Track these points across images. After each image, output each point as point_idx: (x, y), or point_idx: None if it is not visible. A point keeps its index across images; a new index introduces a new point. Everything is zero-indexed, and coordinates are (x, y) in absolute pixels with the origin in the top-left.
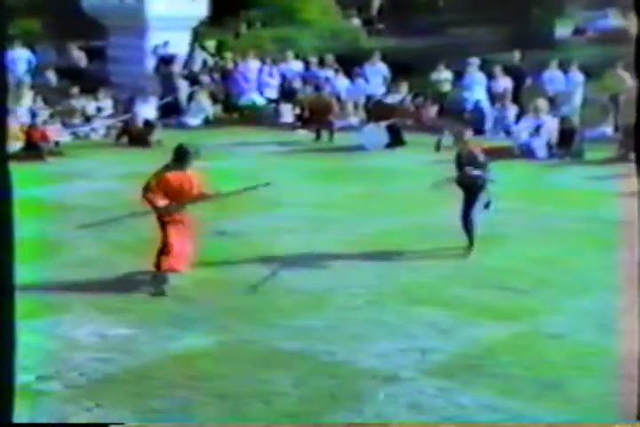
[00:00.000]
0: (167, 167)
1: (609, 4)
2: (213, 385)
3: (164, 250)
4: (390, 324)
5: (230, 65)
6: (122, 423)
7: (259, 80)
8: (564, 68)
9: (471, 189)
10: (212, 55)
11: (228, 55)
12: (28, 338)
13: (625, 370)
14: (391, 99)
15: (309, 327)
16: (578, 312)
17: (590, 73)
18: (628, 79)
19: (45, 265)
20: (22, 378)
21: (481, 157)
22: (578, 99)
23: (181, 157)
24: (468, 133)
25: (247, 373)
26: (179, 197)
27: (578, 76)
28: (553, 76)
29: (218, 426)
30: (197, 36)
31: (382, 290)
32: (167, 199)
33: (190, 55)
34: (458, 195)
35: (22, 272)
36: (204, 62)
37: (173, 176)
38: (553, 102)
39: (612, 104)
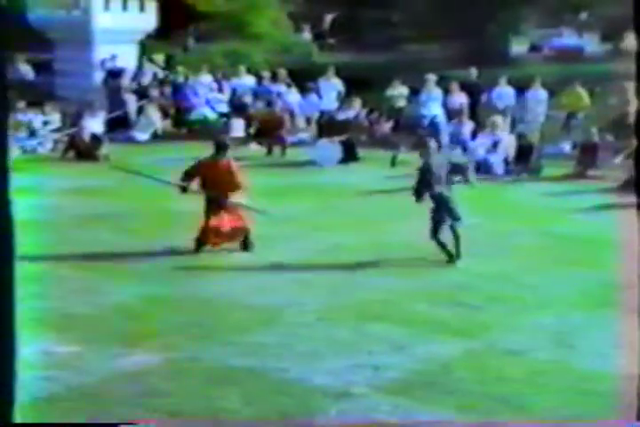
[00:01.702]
0: (208, 157)
1: (564, 23)
2: (162, 402)
3: (204, 228)
4: (343, 340)
5: (181, 79)
6: (132, 423)
7: (208, 95)
8: (521, 85)
9: (446, 202)
10: (163, 69)
11: (180, 69)
12: None
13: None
14: (343, 115)
15: (260, 344)
16: (534, 328)
17: (547, 90)
18: (586, 97)
19: None
20: None
21: (449, 167)
22: (541, 115)
23: (219, 148)
24: (433, 144)
25: (197, 390)
26: (217, 182)
27: (541, 94)
28: (502, 93)
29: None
30: (145, 50)
31: (335, 306)
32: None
33: (139, 69)
34: (413, 210)
35: None
36: (155, 76)
37: (212, 164)
38: (504, 118)
39: (570, 121)
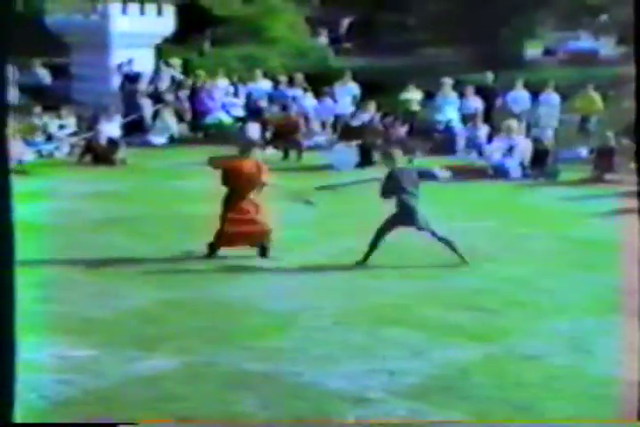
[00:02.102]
0: (235, 157)
1: (579, 26)
2: (178, 406)
3: (218, 234)
4: (359, 345)
5: (197, 83)
6: (133, 423)
7: (224, 99)
8: (536, 88)
9: (409, 211)
10: (181, 73)
11: (198, 73)
12: None
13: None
14: (359, 119)
15: (276, 348)
16: (551, 334)
17: (562, 94)
18: (598, 101)
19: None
20: None
21: (416, 176)
22: (554, 119)
23: (245, 148)
24: (398, 153)
25: (213, 394)
26: (246, 182)
27: (554, 98)
28: (517, 96)
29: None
30: (161, 54)
31: (351, 310)
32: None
33: (156, 73)
34: (430, 216)
35: None
36: (172, 80)
37: (241, 164)
38: (519, 122)
39: (584, 125)
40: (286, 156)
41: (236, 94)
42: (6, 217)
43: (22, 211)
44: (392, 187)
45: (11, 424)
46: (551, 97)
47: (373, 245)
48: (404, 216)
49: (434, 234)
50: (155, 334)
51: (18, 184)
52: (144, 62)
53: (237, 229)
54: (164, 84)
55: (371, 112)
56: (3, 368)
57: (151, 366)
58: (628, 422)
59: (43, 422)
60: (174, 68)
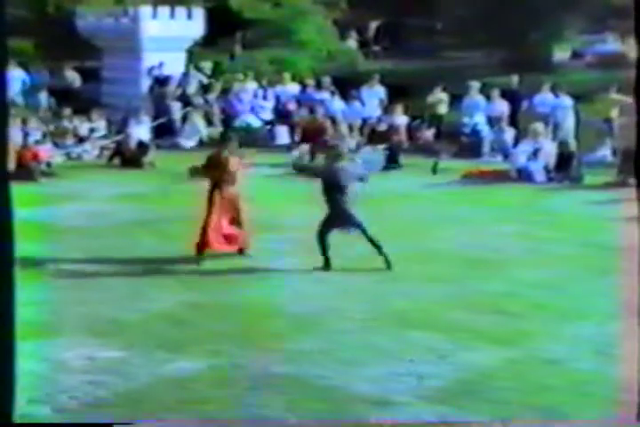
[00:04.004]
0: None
1: (607, 29)
2: (205, 409)
3: (204, 230)
4: (384, 348)
5: (226, 86)
6: (129, 423)
7: (253, 102)
8: (563, 92)
9: (339, 211)
10: (209, 77)
11: (225, 76)
12: (19, 361)
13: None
14: (385, 124)
15: (302, 351)
16: (575, 338)
17: (587, 97)
18: (618, 103)
19: (36, 287)
20: None
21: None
22: (570, 122)
23: (224, 139)
24: (343, 149)
25: (239, 397)
26: (224, 173)
27: (566, 100)
28: (544, 100)
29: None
30: (192, 57)
31: (376, 313)
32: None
33: (185, 76)
34: (454, 218)
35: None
36: (200, 83)
37: (227, 158)
38: (546, 125)
39: (607, 128)
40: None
41: (265, 97)
42: (5, 217)
43: (51, 213)
44: (321, 174)
45: (11, 424)
46: (564, 99)
47: (323, 250)
48: (336, 217)
49: (364, 233)
50: (182, 336)
51: (47, 186)
52: (175, 66)
53: (221, 226)
54: (193, 87)
55: (398, 115)
56: (3, 369)
57: (179, 369)
58: (628, 423)
59: (74, 422)
60: (202, 72)
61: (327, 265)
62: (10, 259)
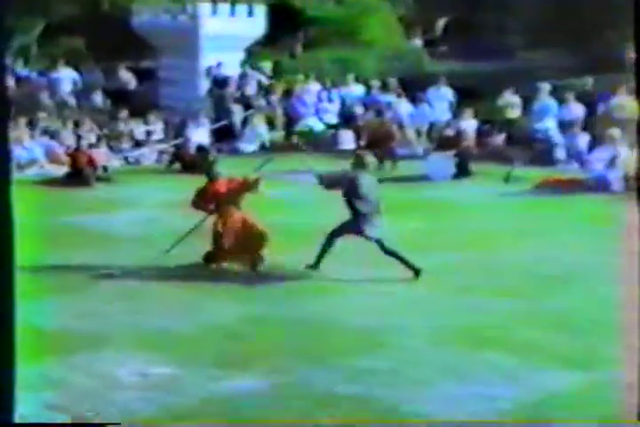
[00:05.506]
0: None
1: None
2: None
3: (214, 245)
4: (454, 367)
5: (288, 88)
6: (118, 423)
7: (317, 105)
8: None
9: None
10: (270, 77)
11: (285, 77)
12: (65, 375)
13: None
14: (454, 128)
15: (367, 369)
16: None
17: None
18: None
19: (86, 298)
20: (57, 417)
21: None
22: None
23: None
24: (369, 158)
25: (300, 417)
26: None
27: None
28: (622, 103)
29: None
30: (250, 57)
31: (446, 330)
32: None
33: (243, 77)
34: (528, 229)
35: (60, 305)
36: (259, 85)
37: (214, 185)
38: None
39: None
40: (381, 165)
41: (330, 99)
42: (5, 221)
43: (105, 220)
44: (348, 190)
45: (11, 424)
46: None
47: (323, 251)
48: (354, 223)
49: (381, 246)
50: (239, 351)
51: (102, 192)
52: (233, 66)
53: (231, 239)
54: (252, 88)
55: (468, 120)
56: (3, 370)
57: (235, 386)
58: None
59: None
60: (261, 72)
61: (316, 266)
62: (10, 259)
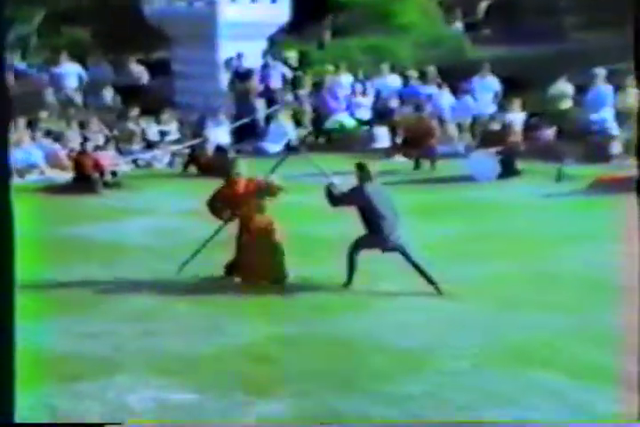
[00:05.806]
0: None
1: None
2: None
3: (235, 259)
4: (502, 391)
5: (316, 80)
6: (118, 423)
7: (349, 99)
8: None
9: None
10: (295, 69)
11: (313, 68)
12: (69, 404)
13: None
14: (499, 122)
15: (405, 394)
16: None
17: None
18: None
19: (94, 316)
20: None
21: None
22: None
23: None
24: (373, 165)
25: None
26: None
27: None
28: None
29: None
30: (273, 46)
31: (492, 350)
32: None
33: (265, 68)
34: (581, 235)
35: (65, 326)
36: (283, 77)
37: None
38: None
39: None
40: (417, 165)
41: (364, 92)
42: (5, 231)
43: (114, 229)
44: (354, 201)
45: (12, 424)
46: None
47: (351, 267)
48: (370, 238)
49: (407, 258)
50: (265, 375)
51: (110, 199)
52: (255, 56)
53: (253, 257)
54: (276, 81)
55: (515, 112)
56: (3, 370)
57: (260, 413)
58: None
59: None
60: (286, 63)
61: (348, 283)
62: (9, 274)
